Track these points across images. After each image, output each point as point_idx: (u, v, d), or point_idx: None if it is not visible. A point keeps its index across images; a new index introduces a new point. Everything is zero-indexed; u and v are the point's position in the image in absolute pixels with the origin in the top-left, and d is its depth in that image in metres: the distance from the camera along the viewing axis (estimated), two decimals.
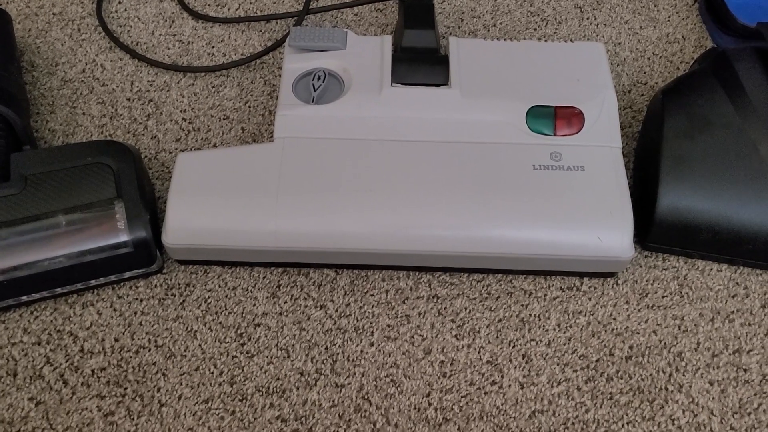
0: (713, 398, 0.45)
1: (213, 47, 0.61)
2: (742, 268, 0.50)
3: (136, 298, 0.48)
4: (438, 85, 0.51)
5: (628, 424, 0.44)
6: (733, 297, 0.49)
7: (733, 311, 0.48)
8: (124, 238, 0.46)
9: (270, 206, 0.46)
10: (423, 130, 0.50)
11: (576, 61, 0.53)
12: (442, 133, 0.49)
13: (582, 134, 0.49)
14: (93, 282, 0.47)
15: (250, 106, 0.58)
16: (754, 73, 0.51)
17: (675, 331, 0.47)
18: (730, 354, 0.46)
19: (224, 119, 0.57)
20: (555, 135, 0.49)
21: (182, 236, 0.46)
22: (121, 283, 0.48)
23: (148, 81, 0.59)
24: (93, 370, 0.45)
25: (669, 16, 0.63)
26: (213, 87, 0.59)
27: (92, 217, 0.46)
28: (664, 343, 0.47)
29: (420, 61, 0.52)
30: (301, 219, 0.46)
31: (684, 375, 0.46)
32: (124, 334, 0.47)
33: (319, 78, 0.52)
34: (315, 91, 0.51)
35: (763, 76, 0.51)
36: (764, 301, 0.49)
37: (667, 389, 0.45)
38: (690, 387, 0.45)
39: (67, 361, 0.46)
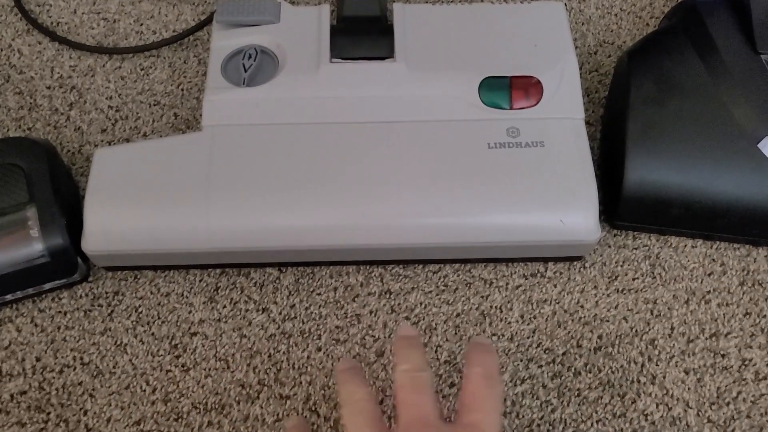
0: (689, 388, 0.41)
1: (141, 25, 0.56)
2: (718, 243, 0.46)
3: (59, 311, 0.44)
4: (382, 59, 0.47)
5: (597, 422, 0.41)
6: (709, 275, 0.45)
7: (710, 291, 0.45)
8: (38, 246, 0.41)
9: (200, 204, 0.42)
10: (366, 109, 0.45)
11: (533, 23, 0.48)
12: (387, 113, 0.45)
13: (541, 106, 0.45)
14: (9, 297, 0.43)
15: (183, 89, 0.53)
16: (726, 29, 0.46)
17: (647, 317, 0.44)
18: (706, 339, 0.43)
19: (155, 105, 0.52)
20: (511, 108, 0.45)
21: (103, 242, 0.42)
22: (43, 295, 0.44)
23: (71, 66, 0.54)
24: (12, 395, 0.41)
25: None
26: (142, 69, 0.54)
27: (2, 226, 0.42)
28: (636, 331, 0.43)
29: (361, 33, 0.48)
30: (235, 216, 0.42)
31: (657, 364, 0.42)
32: (46, 352, 0.42)
33: (250, 56, 0.47)
34: (246, 71, 0.46)
35: (736, 32, 0.46)
36: (742, 278, 0.45)
37: (639, 381, 0.42)
38: (664, 377, 0.42)
39: None
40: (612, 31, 0.56)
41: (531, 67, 0.46)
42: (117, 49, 0.55)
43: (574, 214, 0.42)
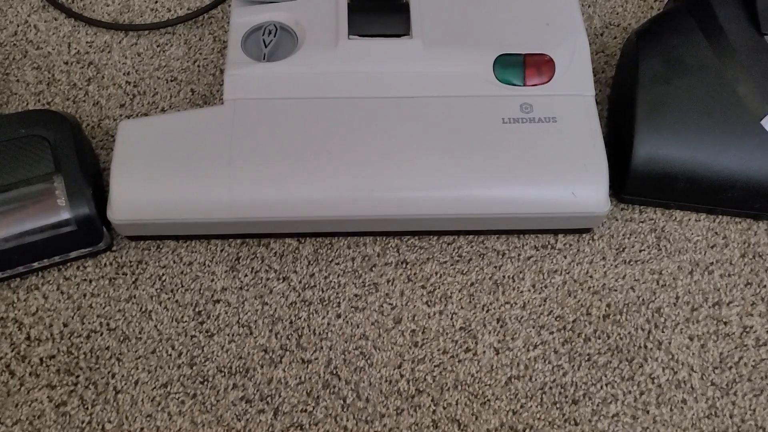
0: (693, 354, 0.43)
1: (156, 2, 0.57)
2: (721, 217, 0.48)
3: (85, 279, 0.45)
4: (399, 36, 0.48)
5: (607, 385, 0.42)
6: (712, 247, 0.47)
7: (713, 262, 0.47)
8: (65, 215, 0.43)
9: (223, 175, 0.43)
10: (384, 85, 0.46)
11: (545, 3, 0.49)
12: (404, 88, 0.46)
13: (553, 83, 0.46)
14: (36, 264, 0.44)
15: (199, 66, 0.54)
16: (731, 9, 0.48)
17: (653, 286, 0.46)
18: (709, 307, 0.45)
19: (172, 81, 0.53)
20: (524, 85, 0.46)
21: (129, 211, 0.43)
22: (68, 264, 0.45)
23: (87, 42, 0.55)
24: (41, 359, 0.42)
25: None
26: (158, 46, 0.55)
27: (29, 195, 0.43)
28: (642, 300, 0.45)
29: (378, 10, 0.49)
30: (257, 187, 0.43)
31: (663, 331, 0.44)
32: (73, 318, 0.44)
33: (270, 32, 0.48)
34: (266, 47, 0.47)
35: (742, 12, 0.48)
36: (744, 251, 0.47)
37: (646, 347, 0.44)
38: (669, 343, 0.44)
39: (12, 351, 0.43)
40: (618, 14, 0.57)
41: (543, 46, 0.47)
42: (133, 25, 0.55)
43: (586, 186, 0.44)
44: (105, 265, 0.45)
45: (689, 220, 0.48)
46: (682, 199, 0.47)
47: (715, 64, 0.46)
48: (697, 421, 0.41)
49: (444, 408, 0.42)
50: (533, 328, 0.44)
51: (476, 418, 0.41)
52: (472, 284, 0.45)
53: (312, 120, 0.45)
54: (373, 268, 0.46)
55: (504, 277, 0.46)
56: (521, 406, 0.42)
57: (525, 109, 0.46)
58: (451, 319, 0.44)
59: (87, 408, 0.41)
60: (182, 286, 0.45)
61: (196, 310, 0.44)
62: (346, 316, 0.44)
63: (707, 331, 0.44)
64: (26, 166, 0.43)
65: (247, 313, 0.44)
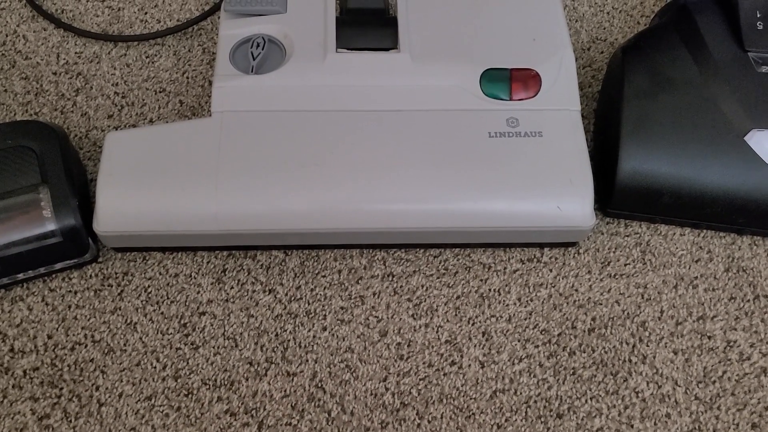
0: (677, 368, 0.44)
1: (146, 13, 0.57)
2: (705, 231, 0.48)
3: (70, 291, 0.45)
4: (387, 50, 0.48)
5: (591, 399, 0.42)
6: (696, 262, 0.47)
7: (697, 276, 0.47)
8: (51, 227, 0.42)
9: (210, 187, 0.43)
10: (371, 98, 0.46)
11: (532, 18, 0.50)
12: (391, 102, 0.46)
13: (539, 98, 0.47)
14: (21, 276, 0.44)
15: (188, 77, 0.54)
16: (715, 27, 0.48)
17: (638, 300, 0.46)
18: (694, 321, 0.45)
19: (160, 92, 0.53)
20: (511, 99, 0.47)
21: (115, 223, 0.43)
22: (53, 275, 0.45)
23: (76, 52, 0.55)
24: (25, 371, 0.42)
25: None
26: (147, 57, 0.55)
27: (15, 206, 0.43)
28: (627, 313, 0.45)
29: (367, 24, 0.49)
30: (243, 199, 0.43)
31: (648, 345, 0.44)
32: (57, 330, 0.43)
33: (258, 45, 0.48)
34: (254, 59, 0.48)
35: (725, 29, 0.48)
36: (728, 265, 0.47)
37: (630, 361, 0.44)
38: (654, 357, 0.44)
39: None
40: (605, 29, 0.58)
41: (530, 60, 0.48)
42: (122, 36, 0.55)
43: (571, 200, 0.44)
44: (90, 276, 0.45)
45: (674, 234, 0.48)
46: (667, 213, 0.48)
47: (699, 80, 0.47)
48: None
49: (429, 422, 0.42)
50: (518, 341, 0.44)
51: None
52: (458, 297, 0.45)
53: (299, 133, 0.45)
54: (360, 281, 0.46)
55: (490, 290, 0.46)
56: (506, 420, 0.42)
57: (511, 124, 0.46)
58: (437, 332, 0.44)
59: (70, 421, 0.41)
60: (168, 298, 0.45)
61: (182, 322, 0.44)
62: (331, 329, 0.44)
63: (691, 345, 0.44)
64: (12, 177, 0.43)
65: (232, 326, 0.44)
